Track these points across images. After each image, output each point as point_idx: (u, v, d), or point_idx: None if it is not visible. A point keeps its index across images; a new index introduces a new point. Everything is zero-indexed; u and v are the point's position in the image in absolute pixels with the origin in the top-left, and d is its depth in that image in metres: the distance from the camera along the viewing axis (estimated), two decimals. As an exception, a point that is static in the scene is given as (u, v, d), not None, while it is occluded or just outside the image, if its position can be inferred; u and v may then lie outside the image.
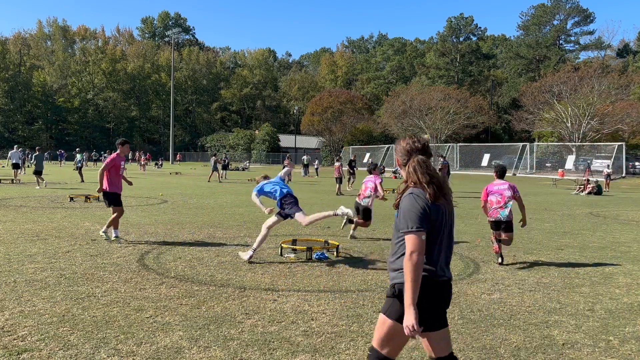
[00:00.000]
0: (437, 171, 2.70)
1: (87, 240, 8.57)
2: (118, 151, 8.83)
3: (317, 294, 5.54)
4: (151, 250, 7.77)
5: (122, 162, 8.85)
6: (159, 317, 4.64)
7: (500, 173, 7.61)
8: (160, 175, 35.26)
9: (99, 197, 15.29)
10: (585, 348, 4.15)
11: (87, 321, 4.48)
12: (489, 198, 7.50)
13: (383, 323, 2.70)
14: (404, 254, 2.59)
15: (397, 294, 2.63)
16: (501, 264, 7.21)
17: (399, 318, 2.61)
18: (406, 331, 2.52)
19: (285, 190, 7.37)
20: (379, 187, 9.19)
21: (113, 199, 8.62)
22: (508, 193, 7.36)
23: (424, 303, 2.57)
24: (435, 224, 2.61)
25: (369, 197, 9.20)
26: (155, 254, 7.54)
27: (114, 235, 8.57)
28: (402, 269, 2.59)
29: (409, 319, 2.51)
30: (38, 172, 20.43)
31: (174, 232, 9.65)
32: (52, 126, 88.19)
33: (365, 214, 9.13)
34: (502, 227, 7.35)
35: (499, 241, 7.37)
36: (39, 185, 20.12)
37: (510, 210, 7.39)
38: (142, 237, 8.97)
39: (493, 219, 7.42)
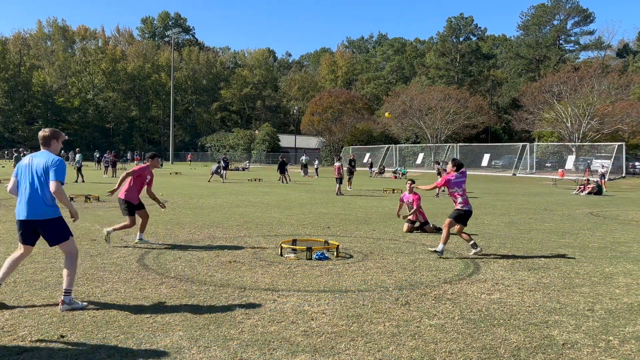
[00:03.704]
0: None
1: (87, 240, 8.58)
2: (148, 163, 8.58)
3: (317, 294, 5.54)
4: (151, 250, 7.77)
5: (149, 177, 8.47)
6: (159, 317, 4.64)
7: None
8: (160, 175, 35.26)
9: (99, 197, 15.31)
10: (585, 348, 4.14)
11: (87, 321, 4.48)
12: None
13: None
14: None
15: None
16: None
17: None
18: None
19: None
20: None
21: (127, 207, 8.27)
22: None
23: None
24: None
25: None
26: (155, 254, 7.54)
27: (137, 238, 8.37)
28: None
29: None
30: None
31: (174, 232, 9.65)
32: (52, 126, 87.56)
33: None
34: None
35: None
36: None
37: None
38: (142, 237, 8.96)
39: None
